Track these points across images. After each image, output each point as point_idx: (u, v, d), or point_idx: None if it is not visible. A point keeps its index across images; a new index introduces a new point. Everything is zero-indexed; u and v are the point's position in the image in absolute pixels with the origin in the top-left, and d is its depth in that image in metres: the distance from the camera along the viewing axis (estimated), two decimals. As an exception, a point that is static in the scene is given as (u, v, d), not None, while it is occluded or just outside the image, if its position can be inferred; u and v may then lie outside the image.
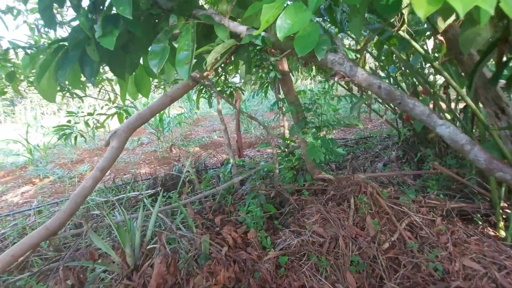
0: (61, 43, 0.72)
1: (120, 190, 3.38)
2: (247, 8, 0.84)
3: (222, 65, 0.88)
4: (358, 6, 0.78)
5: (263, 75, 3.68)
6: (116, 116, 2.71)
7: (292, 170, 2.45)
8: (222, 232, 1.71)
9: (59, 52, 0.71)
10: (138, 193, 2.58)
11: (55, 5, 0.72)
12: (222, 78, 3.68)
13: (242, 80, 4.06)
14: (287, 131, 2.98)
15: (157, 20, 0.84)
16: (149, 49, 0.69)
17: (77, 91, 2.90)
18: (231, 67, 2.75)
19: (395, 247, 1.81)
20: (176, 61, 0.60)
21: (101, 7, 0.63)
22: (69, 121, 2.78)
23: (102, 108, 2.81)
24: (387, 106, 3.47)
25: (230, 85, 3.60)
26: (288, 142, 2.75)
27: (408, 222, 1.99)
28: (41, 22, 3.04)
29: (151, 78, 1.23)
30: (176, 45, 0.73)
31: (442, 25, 1.42)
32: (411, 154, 3.22)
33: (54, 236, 1.72)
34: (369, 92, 3.36)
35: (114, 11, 0.67)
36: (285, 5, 0.60)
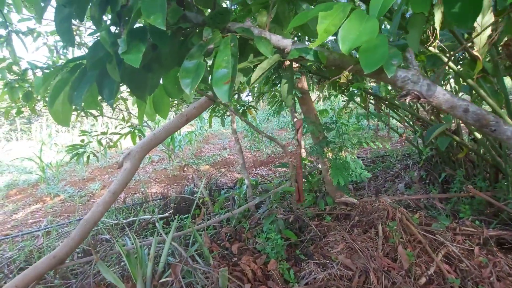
0: (78, 61, 0.66)
1: (130, 211, 3.27)
2: (280, 22, 0.76)
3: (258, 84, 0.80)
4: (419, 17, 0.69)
5: (279, 93, 3.63)
6: (129, 135, 2.66)
7: (312, 192, 2.31)
8: (241, 264, 1.56)
9: (76, 72, 0.64)
10: (150, 216, 2.47)
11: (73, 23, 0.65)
12: (235, 96, 3.64)
13: (254, 98, 4.01)
14: (303, 151, 2.86)
15: (181, 38, 0.77)
16: (178, 66, 0.62)
17: (92, 111, 2.89)
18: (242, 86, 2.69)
19: (433, 282, 1.62)
20: (213, 80, 0.50)
21: (127, 18, 0.56)
22: (82, 141, 2.75)
23: (116, 127, 2.78)
24: (407, 124, 3.33)
25: (243, 103, 3.55)
26: (306, 162, 2.63)
27: (444, 252, 1.79)
28: (61, 44, 3.10)
29: (170, 99, 1.16)
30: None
31: (478, 41, 1.32)
32: (435, 175, 3.03)
33: (61, 265, 1.61)
34: (387, 110, 3.24)
35: (138, 24, 0.62)
36: (349, 12, 0.52)
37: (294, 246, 1.97)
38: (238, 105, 3.35)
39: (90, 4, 0.58)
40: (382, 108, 3.07)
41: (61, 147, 9.11)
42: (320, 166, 2.13)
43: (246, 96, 4.03)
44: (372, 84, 2.97)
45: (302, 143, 2.78)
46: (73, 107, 0.80)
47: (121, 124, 2.82)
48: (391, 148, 4.98)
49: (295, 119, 2.69)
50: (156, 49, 0.64)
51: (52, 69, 2.54)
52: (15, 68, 2.21)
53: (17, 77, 2.28)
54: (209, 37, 0.57)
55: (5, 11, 2.09)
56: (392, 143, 5.36)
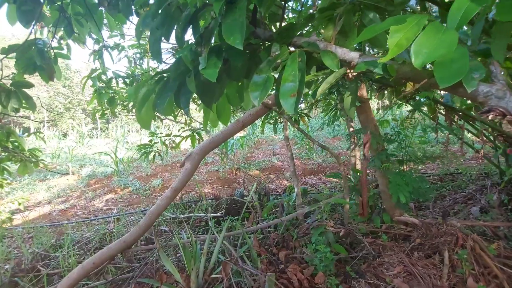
0: (161, 75, 0.77)
1: (186, 208, 3.53)
2: (345, 33, 0.76)
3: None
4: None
5: (334, 101, 3.53)
6: (189, 138, 2.89)
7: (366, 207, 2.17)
8: (287, 272, 1.56)
9: (160, 83, 0.75)
10: (204, 214, 2.63)
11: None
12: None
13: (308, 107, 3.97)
14: (358, 162, 2.72)
15: (248, 52, 0.83)
16: (245, 78, 0.67)
17: (159, 115, 3.23)
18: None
19: (512, 327, 1.37)
20: (281, 93, 0.54)
21: (208, 39, 0.63)
22: (150, 141, 3.08)
23: (179, 130, 3.05)
24: (485, 138, 2.90)
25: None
26: (360, 174, 2.50)
27: (530, 294, 1.51)
28: (137, 56, 3.56)
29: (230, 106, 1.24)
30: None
31: None
32: (520, 200, 2.58)
33: (129, 249, 1.83)
34: (460, 121, 2.87)
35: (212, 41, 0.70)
36: (424, 25, 0.49)
37: (343, 262, 1.88)
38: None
39: (176, 26, 0.68)
40: (455, 119, 2.75)
41: (131, 145, 10.34)
42: (378, 180, 2.00)
43: (300, 103, 4.03)
44: (443, 92, 2.68)
45: (358, 153, 2.65)
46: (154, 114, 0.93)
47: (183, 128, 3.08)
48: (463, 166, 4.38)
49: (352, 129, 2.58)
50: (226, 63, 0.71)
51: (131, 78, 2.94)
52: (103, 77, 2.62)
53: (104, 85, 2.69)
54: (277, 53, 0.60)
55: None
56: (466, 160, 4.71)
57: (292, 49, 0.65)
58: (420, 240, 1.89)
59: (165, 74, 0.77)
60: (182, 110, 0.73)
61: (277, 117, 3.61)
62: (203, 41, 0.63)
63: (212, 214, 2.59)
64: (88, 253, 2.52)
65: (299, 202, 2.47)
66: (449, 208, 2.95)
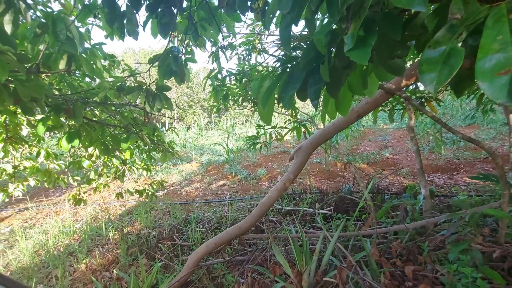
0: (286, 65, 0.72)
1: (290, 199, 3.57)
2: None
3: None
4: None
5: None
6: (295, 130, 2.86)
7: (540, 224, 1.57)
8: (418, 292, 1.29)
9: (283, 75, 0.70)
10: (313, 210, 2.56)
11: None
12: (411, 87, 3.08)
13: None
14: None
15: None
16: (390, 58, 0.53)
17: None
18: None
19: None
20: (478, 72, 0.36)
21: (358, 10, 0.52)
22: (258, 132, 3.23)
23: (285, 122, 3.06)
24: None
25: (420, 94, 2.95)
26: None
27: None
28: (245, 53, 3.76)
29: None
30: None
31: None
32: None
33: (244, 235, 1.96)
34: None
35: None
36: None
37: (500, 293, 1.42)
38: (413, 97, 2.82)
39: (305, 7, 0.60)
40: None
41: (239, 136, 11.41)
42: None
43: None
44: None
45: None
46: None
47: (290, 120, 3.07)
48: None
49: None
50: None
51: (241, 74, 3.14)
52: (219, 76, 2.89)
53: (219, 83, 2.97)
54: (463, 13, 0.42)
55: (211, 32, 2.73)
56: None
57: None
58: None
59: (289, 65, 0.71)
60: (311, 103, 0.65)
61: (394, 103, 3.10)
62: (349, 14, 0.52)
63: (321, 210, 2.49)
64: (209, 231, 2.89)
65: (428, 206, 2.04)
66: None
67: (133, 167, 2.45)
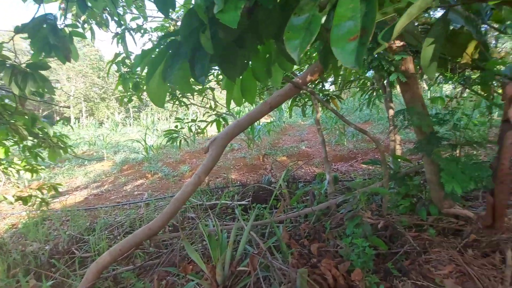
0: (173, 38, 0.64)
1: (213, 194, 3.50)
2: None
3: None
4: None
5: (370, 81, 3.22)
6: (214, 123, 2.80)
7: (409, 197, 1.94)
8: (321, 266, 1.42)
9: (170, 49, 0.62)
10: (231, 202, 2.55)
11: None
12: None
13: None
14: (398, 147, 2.44)
15: None
16: (274, 38, 0.52)
17: (184, 100, 3.16)
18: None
19: None
20: (333, 38, 0.37)
21: None
22: (176, 126, 3.04)
23: (204, 115, 2.97)
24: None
25: (326, 92, 3.30)
26: (401, 161, 2.24)
27: None
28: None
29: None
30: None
31: None
32: None
33: (155, 236, 1.80)
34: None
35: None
36: None
37: (382, 257, 1.70)
38: (321, 94, 3.13)
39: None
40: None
41: (161, 132, 10.66)
42: (425, 167, 1.75)
43: (330, 85, 3.75)
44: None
45: (398, 137, 2.38)
46: (169, 89, 0.81)
47: (208, 112, 2.99)
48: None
49: (391, 110, 2.32)
50: (252, 14, 0.55)
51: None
52: (127, 61, 2.58)
53: (128, 70, 2.65)
54: None
55: (121, 13, 2.42)
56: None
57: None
58: (476, 236, 1.64)
59: (177, 38, 0.63)
60: (199, 81, 0.59)
61: (306, 100, 3.38)
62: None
63: (238, 202, 2.51)
64: (118, 237, 2.57)
65: (331, 190, 2.29)
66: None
67: (10, 168, 1.95)
